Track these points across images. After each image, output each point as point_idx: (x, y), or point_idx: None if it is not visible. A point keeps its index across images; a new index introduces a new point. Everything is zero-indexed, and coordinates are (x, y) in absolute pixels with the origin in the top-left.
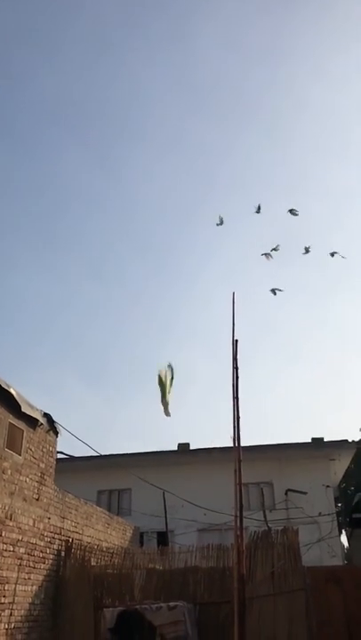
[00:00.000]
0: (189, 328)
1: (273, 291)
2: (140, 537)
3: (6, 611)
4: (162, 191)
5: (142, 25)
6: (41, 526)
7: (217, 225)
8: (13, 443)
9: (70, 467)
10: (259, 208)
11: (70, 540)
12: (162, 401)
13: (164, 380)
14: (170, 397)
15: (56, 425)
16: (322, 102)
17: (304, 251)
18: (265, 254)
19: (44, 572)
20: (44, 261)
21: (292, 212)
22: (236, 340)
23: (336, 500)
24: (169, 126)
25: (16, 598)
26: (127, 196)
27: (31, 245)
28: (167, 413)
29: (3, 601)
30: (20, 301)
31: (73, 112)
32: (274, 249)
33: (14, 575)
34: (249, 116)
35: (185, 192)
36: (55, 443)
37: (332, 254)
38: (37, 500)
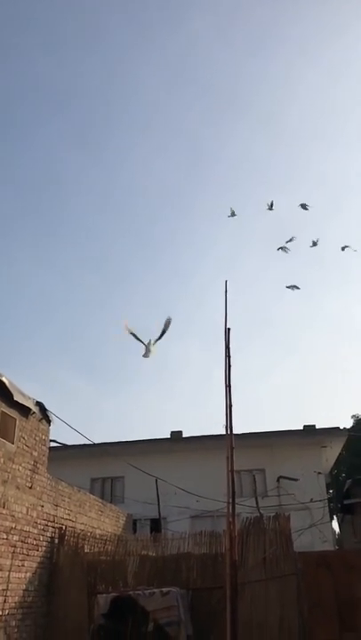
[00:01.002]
0: (184, 319)
1: (291, 287)
2: (133, 524)
3: (0, 597)
4: (160, 184)
5: (138, 12)
6: (34, 514)
7: (229, 216)
8: (6, 431)
9: (63, 455)
10: (271, 205)
11: (64, 527)
12: (148, 342)
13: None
14: (155, 344)
15: (49, 413)
16: (318, 90)
17: (312, 244)
18: (281, 248)
19: (38, 560)
20: (43, 254)
21: (303, 206)
22: (229, 329)
23: (328, 486)
24: (166, 118)
25: (10, 585)
26: (126, 189)
27: (30, 238)
28: (146, 355)
29: None
30: (19, 292)
31: (73, 103)
32: (289, 240)
33: (8, 562)
34: (245, 107)
35: (182, 184)
36: (48, 431)
37: (343, 248)
38: (30, 488)
